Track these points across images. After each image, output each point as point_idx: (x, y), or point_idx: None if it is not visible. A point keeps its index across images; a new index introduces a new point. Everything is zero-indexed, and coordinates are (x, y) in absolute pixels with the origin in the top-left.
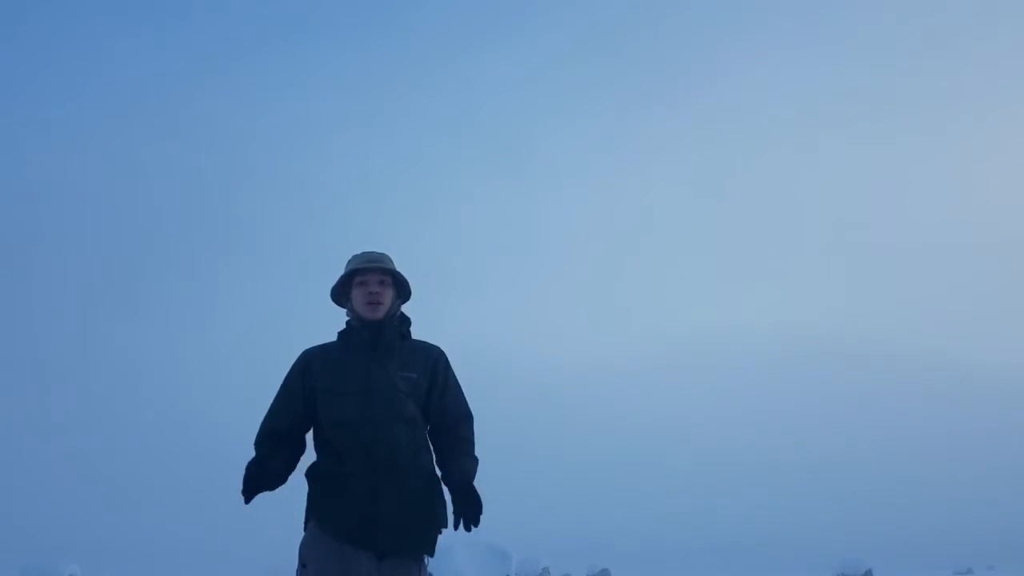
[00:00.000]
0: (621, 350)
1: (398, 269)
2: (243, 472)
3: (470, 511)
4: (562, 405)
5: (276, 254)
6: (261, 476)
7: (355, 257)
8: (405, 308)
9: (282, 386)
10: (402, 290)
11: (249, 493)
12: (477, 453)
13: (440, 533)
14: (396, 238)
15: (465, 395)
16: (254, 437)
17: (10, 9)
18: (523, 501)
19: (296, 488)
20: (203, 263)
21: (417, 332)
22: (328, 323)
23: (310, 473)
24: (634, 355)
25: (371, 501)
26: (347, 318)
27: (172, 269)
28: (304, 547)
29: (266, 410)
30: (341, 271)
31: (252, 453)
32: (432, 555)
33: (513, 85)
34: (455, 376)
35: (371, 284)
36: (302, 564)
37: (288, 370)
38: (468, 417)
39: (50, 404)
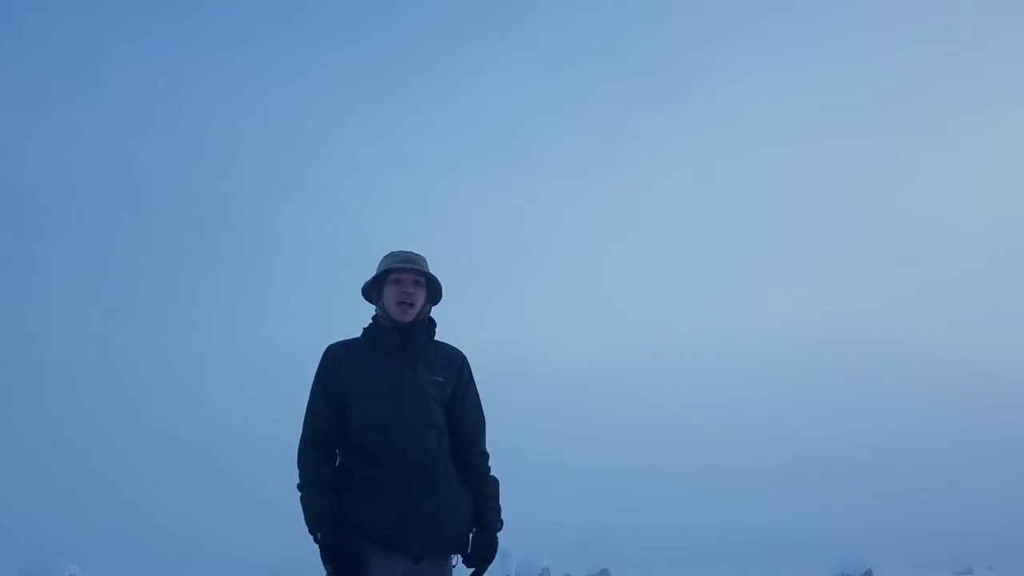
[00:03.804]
0: (620, 350)
1: (434, 273)
2: (310, 508)
3: (484, 561)
4: (562, 405)
5: (275, 254)
6: (334, 516)
7: (391, 255)
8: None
9: (316, 388)
10: (434, 293)
11: (332, 536)
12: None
13: (471, 532)
14: (395, 238)
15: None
16: (297, 448)
17: (11, 7)
18: (523, 501)
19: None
20: (202, 262)
21: None
22: (327, 321)
23: (338, 475)
24: (633, 355)
25: (406, 506)
26: (375, 315)
27: (171, 269)
28: None
29: (304, 416)
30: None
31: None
32: (466, 552)
33: (513, 85)
34: (475, 384)
35: (406, 284)
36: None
37: (316, 371)
38: (483, 426)
39: (50, 404)
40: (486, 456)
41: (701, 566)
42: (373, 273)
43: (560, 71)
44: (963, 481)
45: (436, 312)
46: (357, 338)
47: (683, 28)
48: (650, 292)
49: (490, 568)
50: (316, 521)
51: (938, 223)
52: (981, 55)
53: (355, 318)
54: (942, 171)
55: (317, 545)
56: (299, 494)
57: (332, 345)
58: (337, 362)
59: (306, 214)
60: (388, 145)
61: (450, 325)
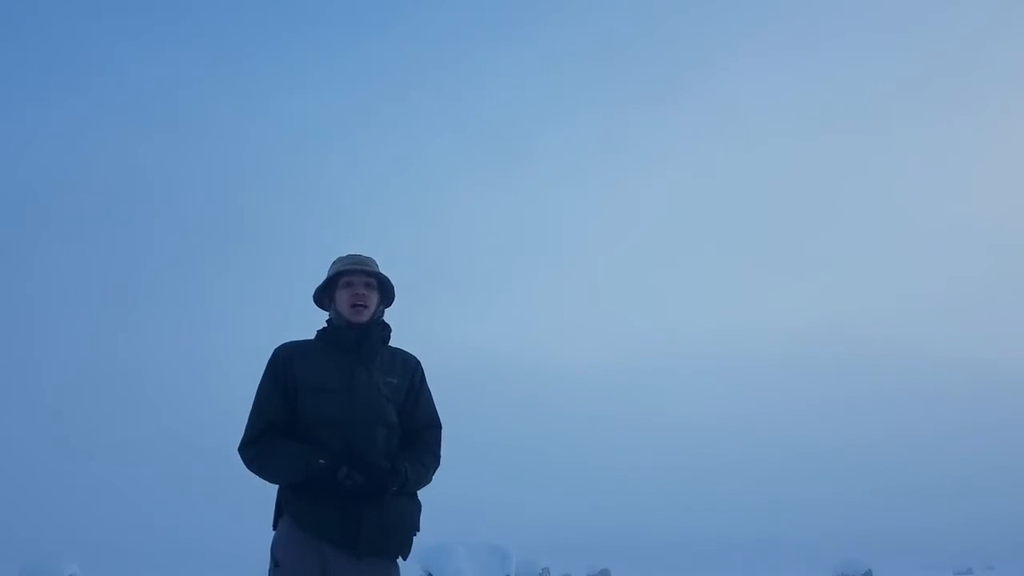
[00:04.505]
0: (620, 351)
1: (384, 273)
2: (281, 458)
3: (376, 482)
4: (562, 406)
5: (274, 253)
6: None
7: (341, 259)
8: (390, 311)
9: (264, 382)
10: (386, 295)
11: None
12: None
13: (414, 536)
14: (394, 238)
15: (436, 407)
16: (240, 442)
17: (10, 8)
18: (523, 501)
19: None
20: (201, 262)
21: (413, 333)
22: (325, 321)
23: None
24: (633, 356)
25: (355, 504)
26: (328, 318)
27: (171, 269)
28: (277, 546)
29: (248, 412)
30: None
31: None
32: (406, 559)
33: (513, 84)
34: (428, 387)
35: (357, 286)
36: (275, 563)
37: (266, 367)
38: (436, 426)
39: (50, 404)
40: (432, 451)
41: (701, 566)
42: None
43: (560, 69)
44: (963, 481)
45: (431, 312)
46: (309, 339)
47: (682, 27)
48: (650, 292)
49: (490, 568)
50: (292, 462)
51: (939, 223)
52: (981, 54)
53: None
54: (944, 171)
55: (312, 477)
56: (261, 475)
57: (283, 343)
58: (289, 358)
59: (306, 214)
60: (388, 145)
61: (448, 325)
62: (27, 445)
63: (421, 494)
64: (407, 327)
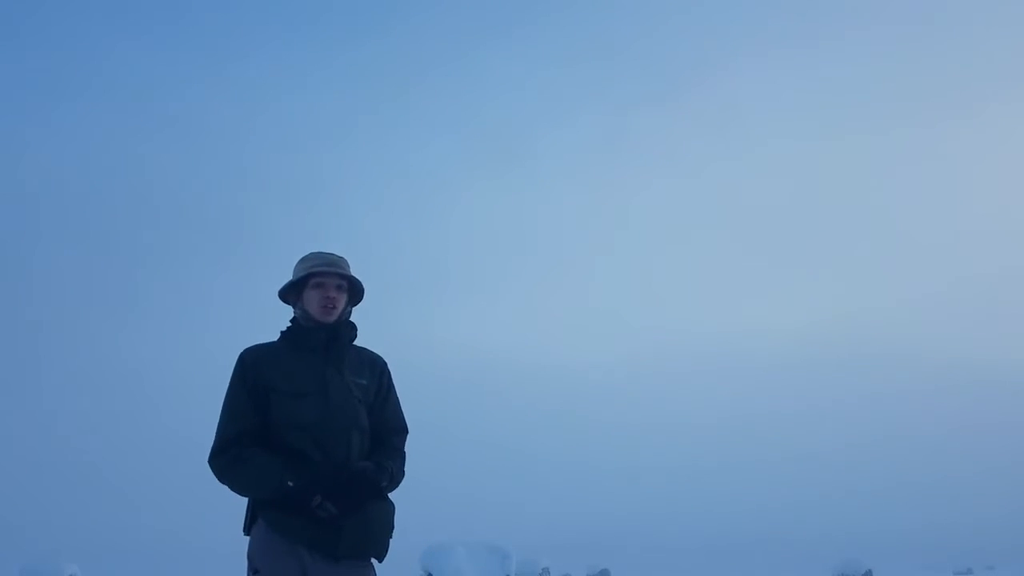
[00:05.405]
0: (621, 351)
1: (356, 275)
2: (256, 470)
3: (356, 492)
4: (562, 406)
5: (274, 253)
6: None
7: (312, 256)
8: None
9: (232, 388)
10: (355, 295)
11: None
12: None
13: (390, 539)
14: (394, 237)
15: (403, 409)
16: (210, 452)
17: (10, 7)
18: (523, 501)
19: None
20: (201, 263)
21: (413, 332)
22: None
23: None
24: (634, 356)
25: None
26: (294, 317)
27: (170, 269)
28: (254, 552)
29: (217, 420)
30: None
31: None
32: (381, 561)
33: (513, 85)
34: (395, 389)
35: (329, 288)
36: (253, 570)
37: (233, 373)
38: (404, 431)
39: (50, 404)
40: (402, 455)
41: (701, 566)
42: (320, 270)
43: (560, 69)
44: (963, 481)
45: (431, 312)
46: (273, 341)
47: (682, 27)
48: (650, 292)
49: (490, 568)
50: (264, 480)
51: (939, 224)
52: (978, 55)
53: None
54: (944, 171)
55: (286, 493)
56: (232, 488)
57: (248, 348)
58: (257, 362)
59: (306, 214)
60: (388, 145)
61: (448, 325)
62: (27, 445)
63: (423, 494)
64: (408, 326)
